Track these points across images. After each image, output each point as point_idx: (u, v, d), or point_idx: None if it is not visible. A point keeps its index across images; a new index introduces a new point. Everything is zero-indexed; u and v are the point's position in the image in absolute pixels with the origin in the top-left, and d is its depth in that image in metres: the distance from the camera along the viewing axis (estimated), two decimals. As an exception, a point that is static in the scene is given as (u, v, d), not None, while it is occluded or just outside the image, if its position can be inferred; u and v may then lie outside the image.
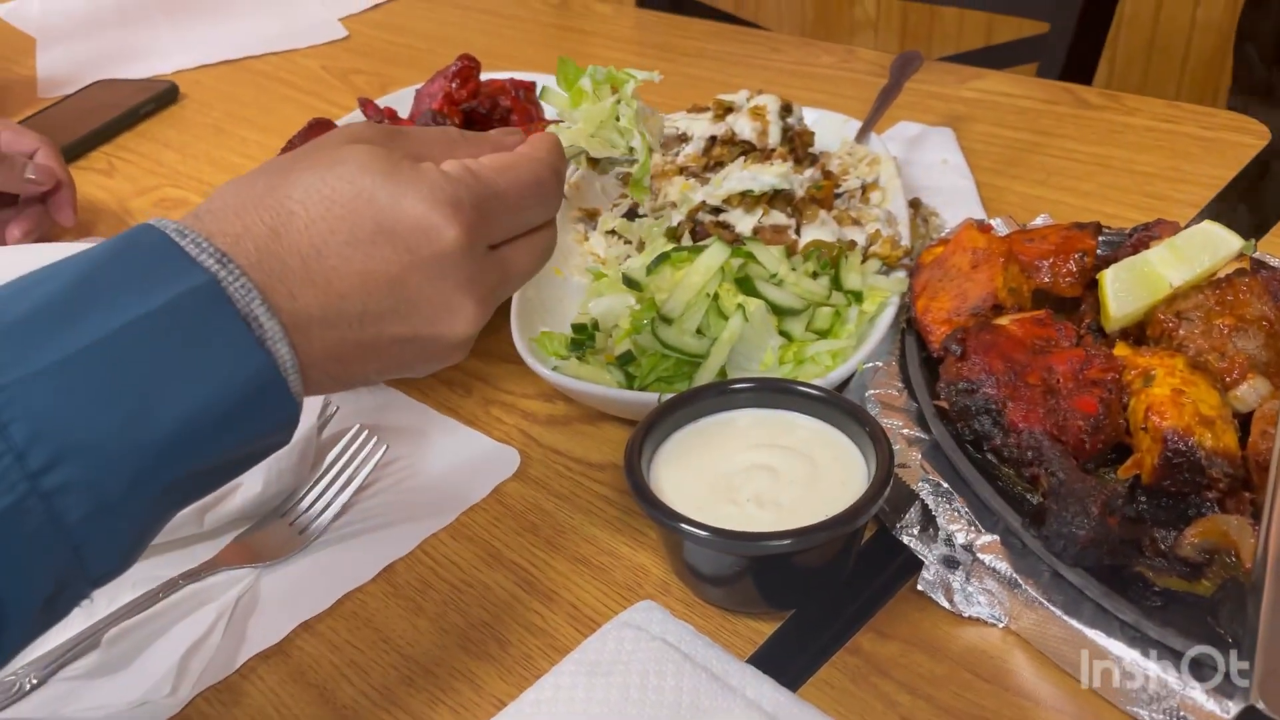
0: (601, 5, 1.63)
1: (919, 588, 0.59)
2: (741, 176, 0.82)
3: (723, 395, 0.64)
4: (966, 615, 0.57)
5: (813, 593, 0.60)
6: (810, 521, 0.55)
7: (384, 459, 0.70)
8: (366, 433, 0.70)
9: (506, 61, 1.23)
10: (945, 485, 0.61)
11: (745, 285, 0.71)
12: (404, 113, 1.11)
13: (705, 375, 0.68)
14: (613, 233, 0.90)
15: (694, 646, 0.55)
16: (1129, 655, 0.51)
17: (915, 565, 0.60)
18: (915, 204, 0.91)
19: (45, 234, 1.02)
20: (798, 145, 0.92)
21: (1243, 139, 1.03)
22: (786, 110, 0.94)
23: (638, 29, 1.56)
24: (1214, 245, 0.65)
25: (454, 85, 1.07)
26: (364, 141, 0.50)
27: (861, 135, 0.98)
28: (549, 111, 1.12)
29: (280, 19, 1.66)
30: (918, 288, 0.73)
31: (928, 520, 0.60)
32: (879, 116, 1.01)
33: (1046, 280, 0.71)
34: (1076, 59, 1.48)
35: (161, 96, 1.41)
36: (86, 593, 0.43)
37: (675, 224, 0.83)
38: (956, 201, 0.95)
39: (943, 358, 0.66)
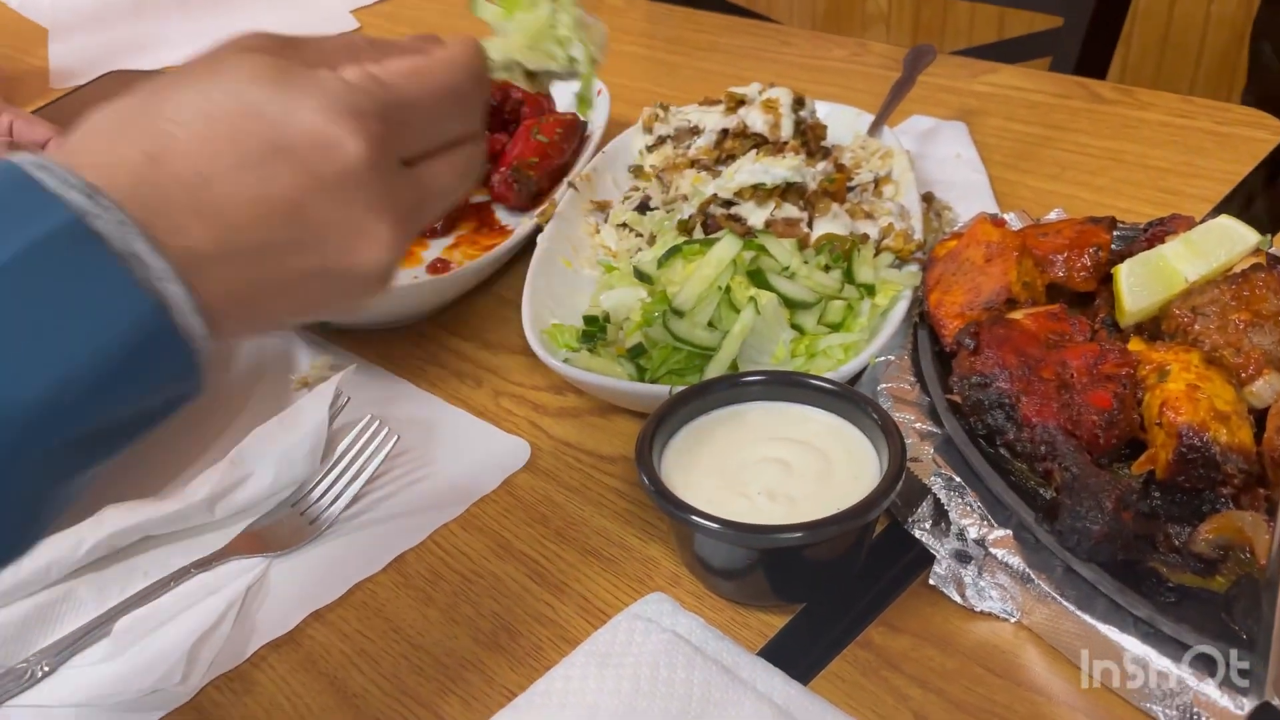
0: (613, -2, 1.62)
1: (930, 582, 0.58)
2: (754, 169, 0.81)
3: (734, 388, 0.64)
4: (978, 610, 0.57)
5: (823, 586, 0.59)
6: (822, 515, 0.55)
7: (394, 450, 0.70)
8: (378, 423, 0.70)
9: (518, 54, 1.22)
10: (958, 480, 0.60)
11: (757, 278, 0.71)
12: (415, 104, 1.11)
13: (716, 368, 0.68)
14: (624, 225, 0.90)
15: (704, 639, 0.55)
16: (1142, 651, 0.50)
17: (927, 560, 0.60)
18: (928, 198, 0.90)
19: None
20: (810, 138, 0.92)
21: (1257, 134, 1.02)
22: (799, 103, 0.94)
23: (649, 22, 1.55)
24: (1230, 240, 0.65)
25: (465, 77, 1.06)
26: (253, 51, 0.45)
27: (874, 129, 0.97)
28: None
29: (292, 10, 1.66)
30: (931, 281, 0.72)
31: (940, 515, 0.60)
32: (892, 110, 1.00)
33: (1061, 275, 0.70)
34: (1090, 54, 1.47)
35: (173, 88, 1.40)
36: None
37: (687, 217, 0.83)
38: (969, 196, 0.94)
39: (956, 352, 0.66)
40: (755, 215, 0.80)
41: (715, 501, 0.57)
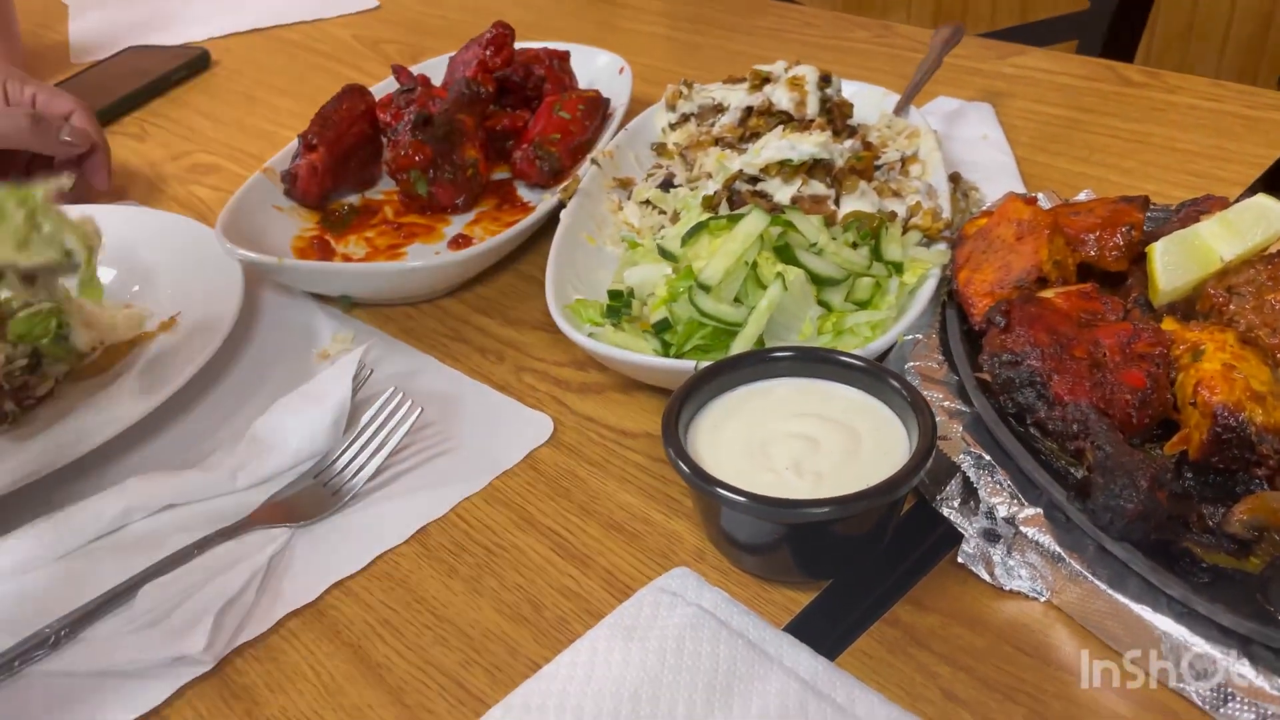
0: (634, -22, 1.61)
1: (959, 560, 0.58)
2: (780, 145, 0.81)
3: (762, 364, 0.63)
4: (1007, 589, 0.57)
5: (850, 563, 0.59)
6: (849, 491, 0.54)
7: (417, 423, 0.70)
8: (401, 395, 0.69)
9: (538, 32, 1.22)
10: (987, 458, 0.60)
11: (784, 254, 0.70)
12: (437, 80, 1.10)
13: (742, 344, 0.68)
14: (647, 203, 0.89)
15: (730, 613, 0.54)
16: (1176, 630, 0.50)
17: (954, 538, 0.59)
18: (955, 178, 0.89)
19: (80, 197, 1.02)
20: (836, 117, 0.91)
21: (1289, 118, 1.01)
22: (825, 81, 0.93)
23: (671, 1, 1.54)
24: (1268, 219, 0.64)
25: (488, 53, 1.06)
26: None
27: (900, 108, 0.96)
28: (581, 80, 1.11)
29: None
30: (960, 259, 0.72)
31: (969, 493, 0.59)
32: (918, 90, 0.99)
33: (1092, 254, 0.69)
34: (1116, 38, 1.46)
35: (193, 63, 1.40)
36: None
37: (711, 193, 0.82)
38: (996, 177, 0.93)
39: (985, 330, 0.65)
40: (781, 192, 0.79)
41: (742, 476, 0.56)
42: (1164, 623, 0.50)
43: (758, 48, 1.33)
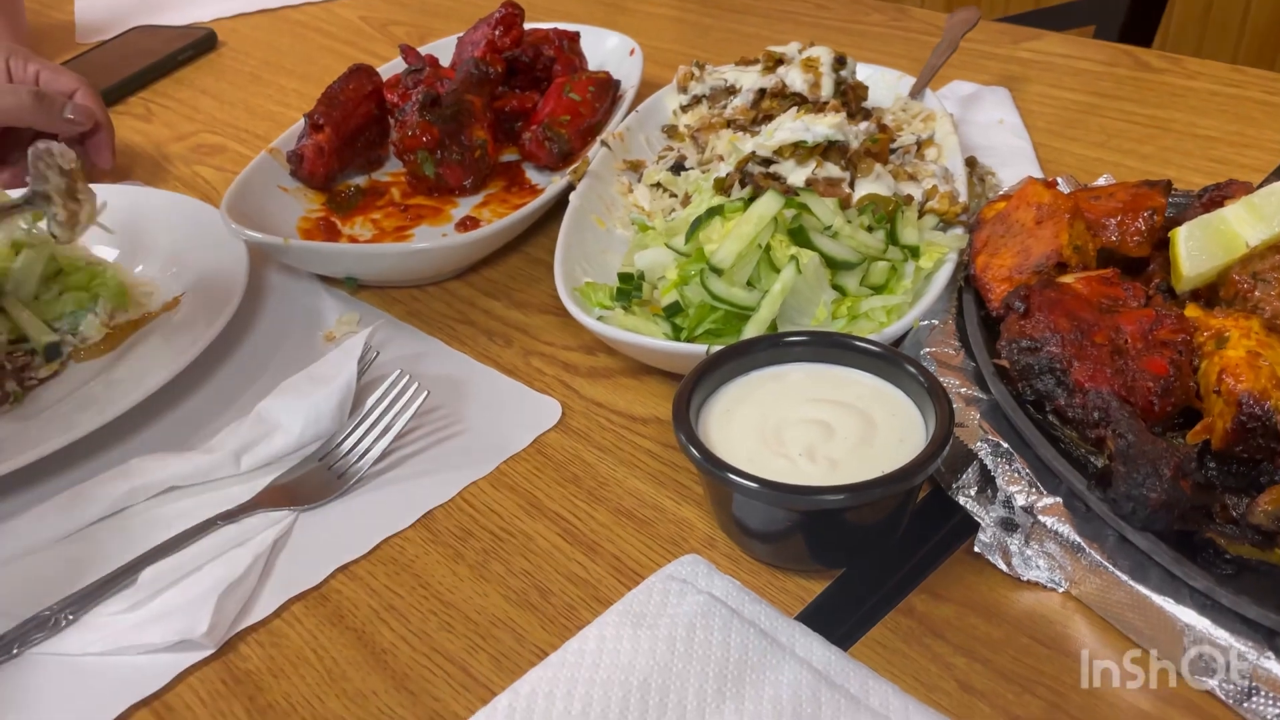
0: (645, -40, 1.59)
1: (975, 550, 0.57)
2: (794, 126, 0.79)
3: (776, 348, 0.62)
4: (1025, 579, 0.55)
5: (864, 551, 0.58)
6: (863, 478, 0.53)
7: (423, 406, 0.68)
8: (408, 378, 0.68)
9: (547, 13, 1.20)
10: (1005, 446, 0.58)
11: (798, 237, 0.69)
12: (446, 62, 1.09)
13: (755, 328, 0.66)
14: (658, 185, 0.88)
15: (741, 601, 0.53)
16: (1199, 623, 0.49)
17: (970, 527, 0.58)
18: (971, 162, 0.88)
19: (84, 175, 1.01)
20: (851, 99, 0.90)
21: (1312, 104, 0.99)
22: (840, 63, 0.91)
23: (681, -15, 1.52)
24: (1295, 204, 0.62)
25: (497, 33, 1.05)
26: None
27: (915, 91, 0.95)
28: (591, 62, 1.10)
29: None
30: (978, 244, 0.70)
31: (986, 481, 0.58)
32: (934, 73, 0.98)
33: (1114, 239, 0.68)
34: (1134, 24, 1.44)
35: (200, 44, 1.39)
36: None
37: (724, 175, 0.81)
38: (1013, 161, 0.92)
39: (1004, 316, 0.64)
40: (795, 174, 0.78)
41: (754, 461, 0.55)
42: (1187, 615, 0.49)
43: (770, 30, 1.31)
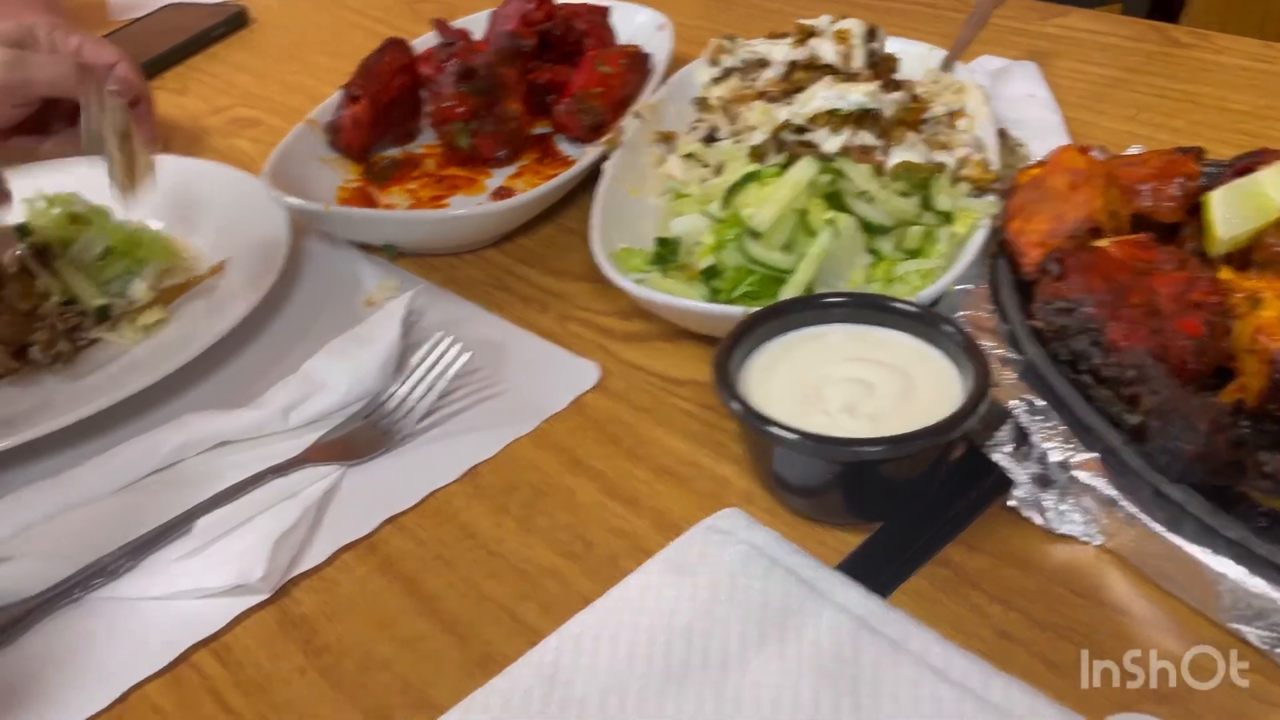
0: (671, -62, 1.60)
1: (1011, 505, 0.58)
2: (829, 94, 0.80)
3: (815, 309, 0.63)
4: (1060, 533, 0.57)
5: (901, 506, 0.59)
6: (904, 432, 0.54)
7: (465, 368, 0.70)
8: (451, 339, 0.70)
9: (578, -11, 1.21)
10: (1040, 404, 0.59)
11: (835, 201, 0.70)
12: (478, 36, 1.10)
13: (792, 290, 0.67)
14: (690, 156, 0.89)
15: (781, 551, 0.55)
16: (1234, 571, 0.50)
17: (1005, 484, 0.59)
18: (1002, 135, 0.88)
19: (124, 147, 1.03)
20: (883, 71, 0.90)
21: (1343, 79, 0.99)
22: (871, 35, 0.92)
23: (707, -37, 1.52)
24: (1330, 168, 0.63)
25: (530, 6, 1.06)
26: None
27: (947, 64, 0.95)
28: (621, 37, 1.11)
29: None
30: (1012, 209, 0.71)
31: (1021, 438, 0.59)
32: (965, 45, 0.98)
33: (1148, 204, 0.69)
34: (1161, 1, 1.44)
35: (232, 20, 1.41)
36: None
37: (759, 143, 0.82)
38: (1043, 134, 0.92)
39: (1037, 280, 0.65)
40: (830, 142, 0.79)
41: (794, 417, 0.56)
42: (1222, 564, 0.50)
43: (795, 6, 1.31)
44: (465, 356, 0.70)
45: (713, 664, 0.50)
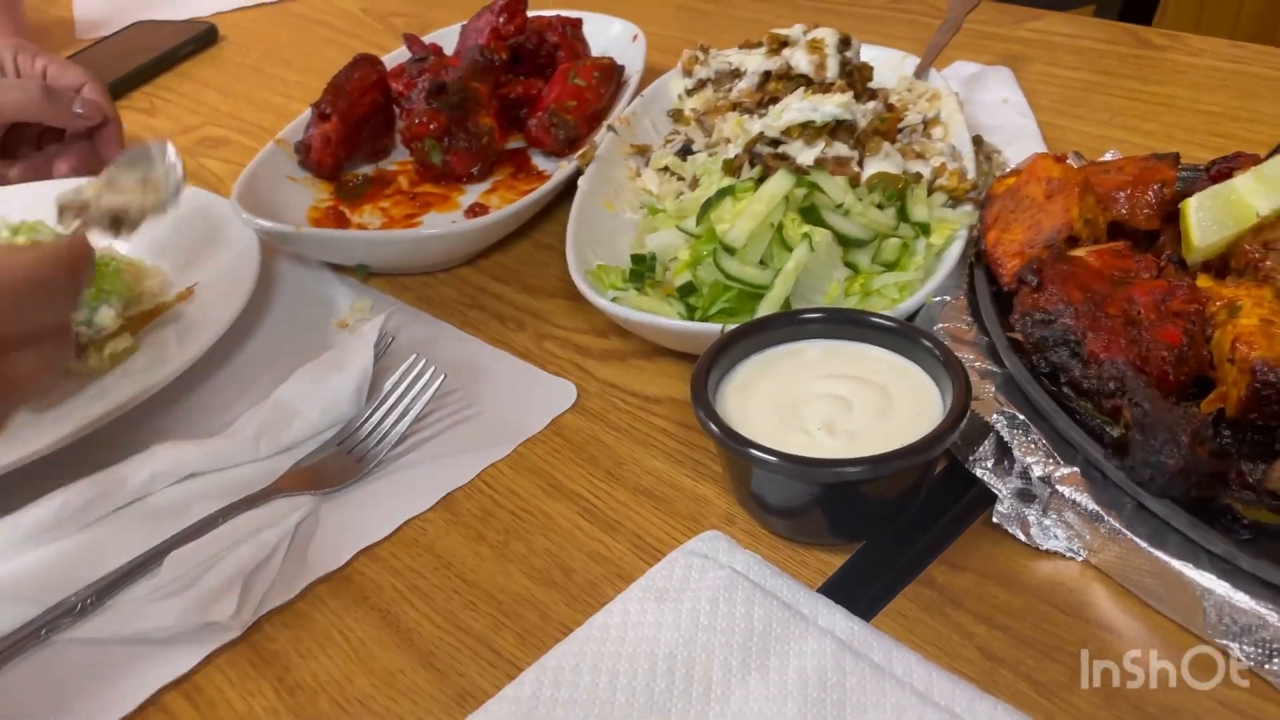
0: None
1: (994, 521, 0.57)
2: (802, 106, 0.79)
3: (792, 325, 0.62)
4: (1043, 549, 0.56)
5: (883, 524, 0.58)
6: (883, 451, 0.53)
7: (439, 390, 0.69)
8: (424, 362, 0.69)
9: (548, 0, 1.20)
10: (1021, 418, 0.59)
11: (810, 215, 0.69)
12: (449, 51, 1.09)
13: (769, 307, 0.67)
14: (665, 169, 0.88)
15: (763, 575, 0.54)
16: (1218, 586, 0.49)
17: (988, 499, 0.58)
18: (977, 141, 0.88)
19: (92, 170, 1.01)
20: (857, 80, 0.90)
21: (1314, 78, 0.99)
22: (844, 44, 0.92)
23: (681, -29, 1.52)
24: (1305, 173, 0.63)
25: (501, 20, 1.05)
26: None
27: (920, 71, 0.95)
28: (594, 49, 1.10)
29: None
30: (989, 219, 0.70)
31: (1002, 453, 0.59)
32: (939, 52, 0.98)
33: (1124, 212, 0.68)
34: (1133, 3, 1.44)
35: (201, 38, 1.39)
36: None
37: (732, 157, 0.81)
38: (1018, 140, 0.92)
39: (1016, 290, 0.64)
40: (804, 155, 0.78)
41: (773, 437, 0.55)
42: (1206, 579, 0.49)
43: (770, 14, 1.31)
44: (440, 380, 0.69)
45: (696, 693, 0.49)
